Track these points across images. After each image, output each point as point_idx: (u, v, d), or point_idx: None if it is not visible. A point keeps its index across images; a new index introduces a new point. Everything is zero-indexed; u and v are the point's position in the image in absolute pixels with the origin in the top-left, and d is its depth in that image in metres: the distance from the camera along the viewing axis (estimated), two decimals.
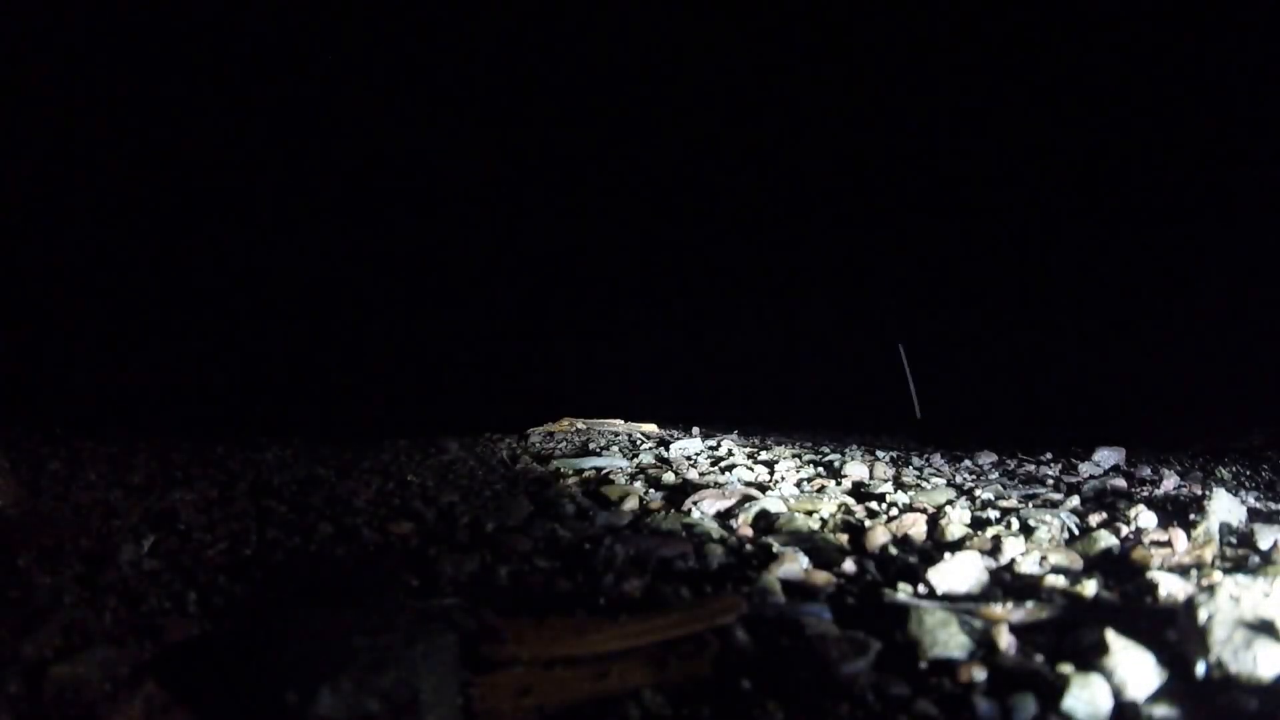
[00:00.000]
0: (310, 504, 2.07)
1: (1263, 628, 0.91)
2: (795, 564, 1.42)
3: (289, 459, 3.06)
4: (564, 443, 3.79)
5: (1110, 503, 2.05)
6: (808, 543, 1.63)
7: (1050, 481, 2.66)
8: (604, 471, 2.71)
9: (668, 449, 3.31)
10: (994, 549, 1.53)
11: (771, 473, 2.65)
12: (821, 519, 1.91)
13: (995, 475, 2.90)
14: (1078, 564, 1.45)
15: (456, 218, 8.01)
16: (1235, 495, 2.16)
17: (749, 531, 1.76)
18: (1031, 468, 3.09)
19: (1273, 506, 2.06)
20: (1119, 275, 6.73)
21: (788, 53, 7.32)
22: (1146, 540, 1.55)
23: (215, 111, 6.64)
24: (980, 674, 0.96)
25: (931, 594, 1.26)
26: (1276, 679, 0.87)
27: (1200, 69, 5.81)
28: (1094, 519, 1.80)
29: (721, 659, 1.01)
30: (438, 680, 0.90)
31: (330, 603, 1.28)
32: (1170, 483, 2.50)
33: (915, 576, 1.33)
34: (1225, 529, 1.64)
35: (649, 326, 8.86)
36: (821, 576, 1.38)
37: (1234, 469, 3.03)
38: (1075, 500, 2.09)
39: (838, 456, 3.25)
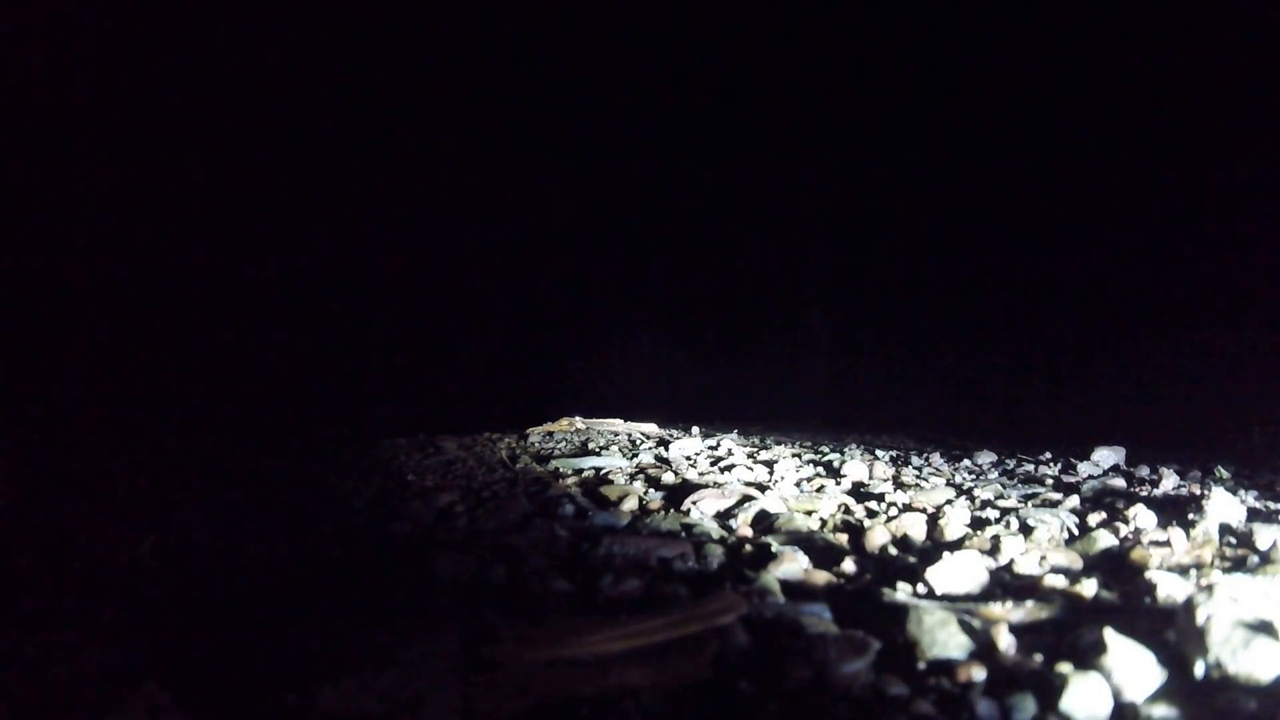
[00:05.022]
0: (310, 504, 2.07)
1: (1262, 628, 0.91)
2: (795, 564, 1.42)
3: (289, 459, 3.06)
4: (563, 443, 3.79)
5: (1109, 503, 2.05)
6: (807, 543, 1.63)
7: (1049, 481, 2.66)
8: (603, 471, 2.71)
9: (667, 449, 3.31)
10: (993, 549, 1.53)
11: (771, 472, 2.65)
12: (821, 519, 1.91)
13: (994, 475, 2.90)
14: (1077, 564, 1.45)
15: (456, 218, 8.01)
16: (1235, 495, 2.17)
17: (748, 531, 1.76)
18: (1031, 468, 3.09)
19: (1272, 506, 2.07)
20: (1118, 277, 6.73)
21: (784, 59, 7.33)
22: (1146, 540, 1.55)
23: (215, 112, 6.64)
24: (979, 674, 0.96)
25: (931, 594, 1.26)
26: (1275, 679, 0.87)
27: (1199, 71, 5.81)
28: (1093, 519, 1.81)
29: (721, 659, 1.01)
30: (438, 680, 0.90)
31: (330, 603, 1.28)
32: (1170, 483, 2.50)
33: (914, 576, 1.33)
34: (1224, 529, 1.64)
35: (649, 327, 8.86)
36: (821, 576, 1.38)
37: (1234, 469, 3.03)
38: (1074, 500, 2.09)
39: (837, 456, 3.25)
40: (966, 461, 3.31)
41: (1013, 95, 6.89)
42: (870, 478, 2.61)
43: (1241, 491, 2.41)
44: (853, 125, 7.87)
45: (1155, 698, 0.89)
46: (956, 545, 1.60)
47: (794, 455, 3.26)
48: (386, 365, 7.88)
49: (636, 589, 1.32)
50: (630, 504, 2.06)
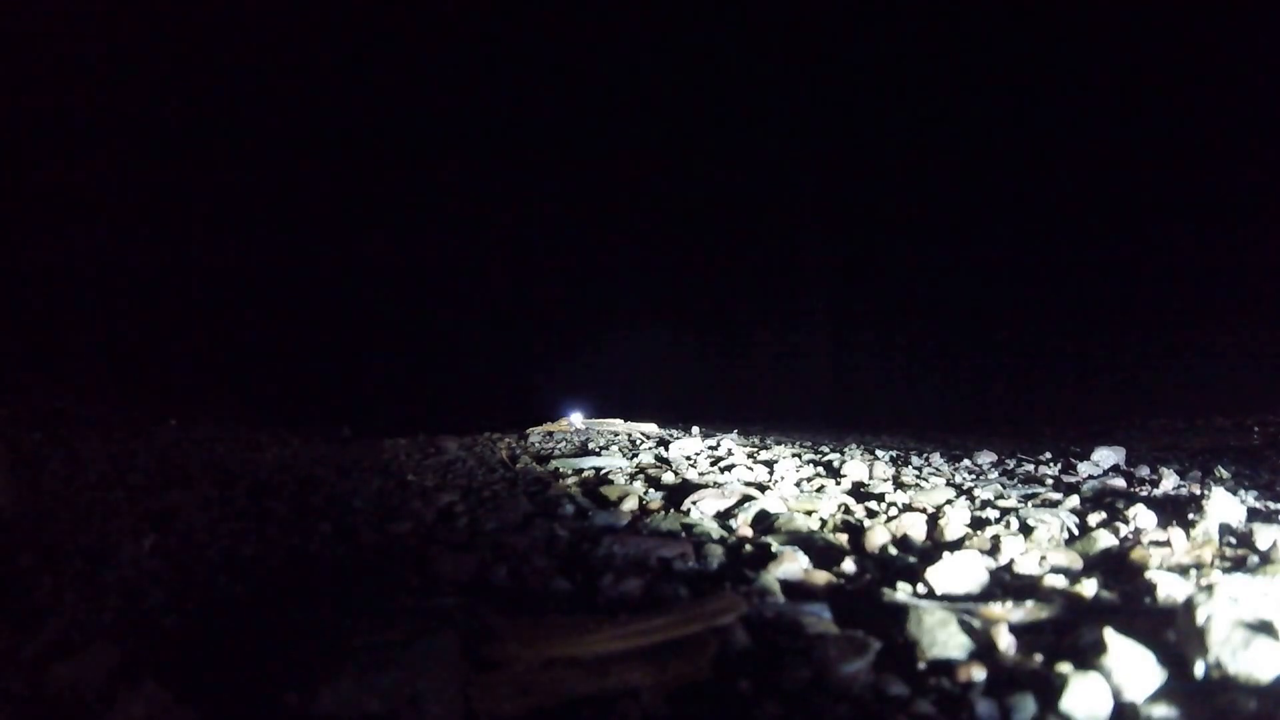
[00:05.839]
0: (310, 504, 2.07)
1: (1261, 628, 0.91)
2: (795, 564, 1.42)
3: (289, 459, 3.06)
4: (563, 443, 3.79)
5: (1109, 503, 2.05)
6: (807, 543, 1.63)
7: (1050, 481, 2.66)
8: (603, 471, 2.71)
9: (667, 449, 3.31)
10: (993, 549, 1.53)
11: (771, 472, 2.65)
12: (821, 519, 1.91)
13: (994, 475, 2.90)
14: (1077, 564, 1.45)
15: (456, 219, 8.01)
16: (1235, 495, 2.17)
17: (748, 531, 1.76)
18: (1031, 467, 3.09)
19: (1272, 506, 2.07)
20: (1118, 276, 6.72)
21: (785, 57, 7.33)
22: (1146, 540, 1.55)
23: (217, 111, 6.64)
24: (979, 674, 0.96)
25: (931, 594, 1.26)
26: (1275, 679, 0.87)
27: (1198, 72, 5.81)
28: (1093, 519, 1.80)
29: (721, 659, 1.01)
30: (438, 680, 0.90)
31: (330, 603, 1.28)
32: (1170, 483, 2.50)
33: (915, 576, 1.33)
34: (1224, 529, 1.64)
35: (649, 327, 8.86)
36: (821, 576, 1.38)
37: (1234, 469, 3.03)
38: (1074, 500, 2.09)
39: (837, 456, 3.25)
40: (966, 461, 3.31)
41: (1015, 97, 6.89)
42: (870, 478, 2.60)
43: (1241, 491, 2.41)
44: (854, 127, 7.87)
45: (1155, 698, 0.89)
46: (956, 545, 1.60)
47: (794, 455, 3.26)
48: (386, 365, 7.88)
49: (636, 589, 1.31)
50: (630, 504, 2.06)
